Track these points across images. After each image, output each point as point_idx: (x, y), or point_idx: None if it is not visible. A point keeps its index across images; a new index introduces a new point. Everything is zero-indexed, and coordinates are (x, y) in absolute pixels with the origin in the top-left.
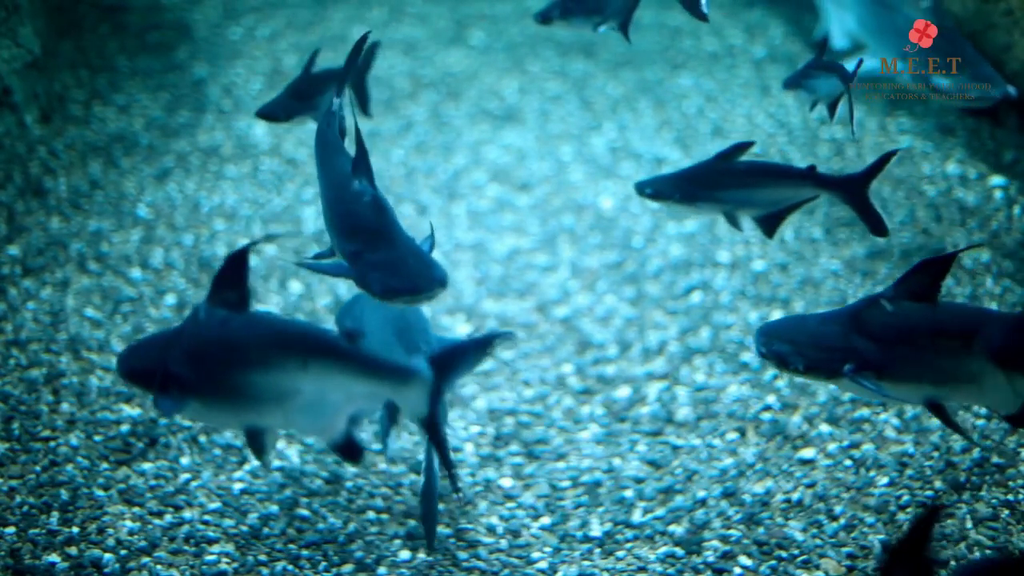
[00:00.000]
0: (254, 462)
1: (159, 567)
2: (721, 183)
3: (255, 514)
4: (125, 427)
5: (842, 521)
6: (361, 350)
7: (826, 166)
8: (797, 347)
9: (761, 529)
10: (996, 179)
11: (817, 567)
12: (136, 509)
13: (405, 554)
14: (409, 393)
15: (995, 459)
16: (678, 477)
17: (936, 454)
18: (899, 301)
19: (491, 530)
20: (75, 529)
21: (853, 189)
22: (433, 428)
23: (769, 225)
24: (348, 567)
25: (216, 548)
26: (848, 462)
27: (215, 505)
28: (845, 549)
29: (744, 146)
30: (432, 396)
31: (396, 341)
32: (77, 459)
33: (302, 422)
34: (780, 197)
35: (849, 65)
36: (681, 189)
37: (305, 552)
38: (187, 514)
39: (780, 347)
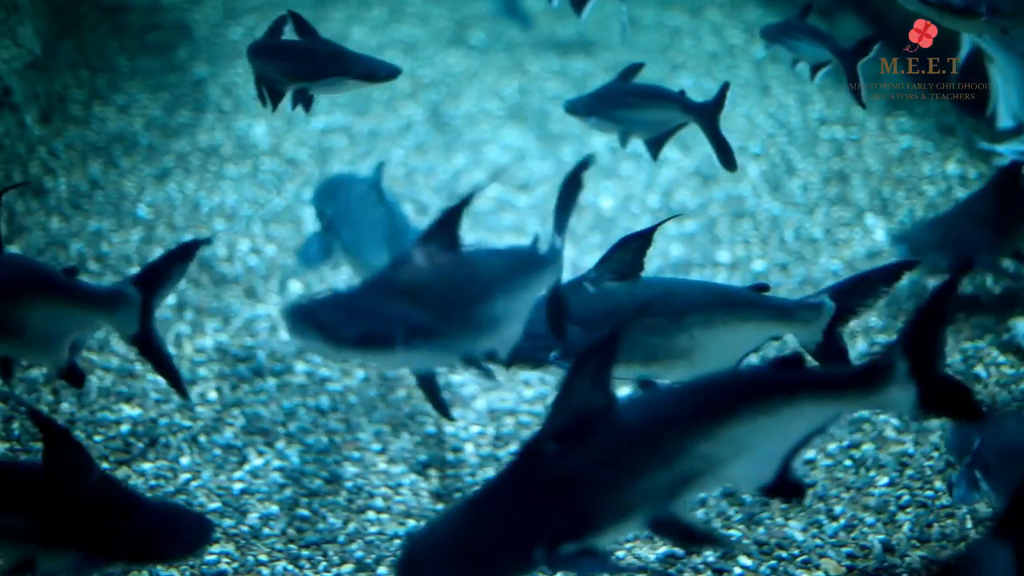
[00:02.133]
0: (254, 462)
1: (159, 567)
2: (621, 103)
3: (255, 514)
4: (125, 427)
5: (842, 521)
6: (76, 284)
7: (826, 166)
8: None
9: (761, 529)
10: None
11: (817, 567)
12: None
13: None
14: (120, 315)
15: None
16: None
17: (936, 454)
18: (602, 283)
19: None
20: None
21: (706, 115)
22: (147, 344)
23: (654, 148)
24: (348, 567)
25: (216, 548)
26: (848, 462)
27: (215, 505)
28: (845, 549)
29: (637, 67)
30: (142, 314)
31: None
32: None
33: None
34: (661, 119)
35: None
36: (588, 107)
37: (305, 552)
38: None
39: None
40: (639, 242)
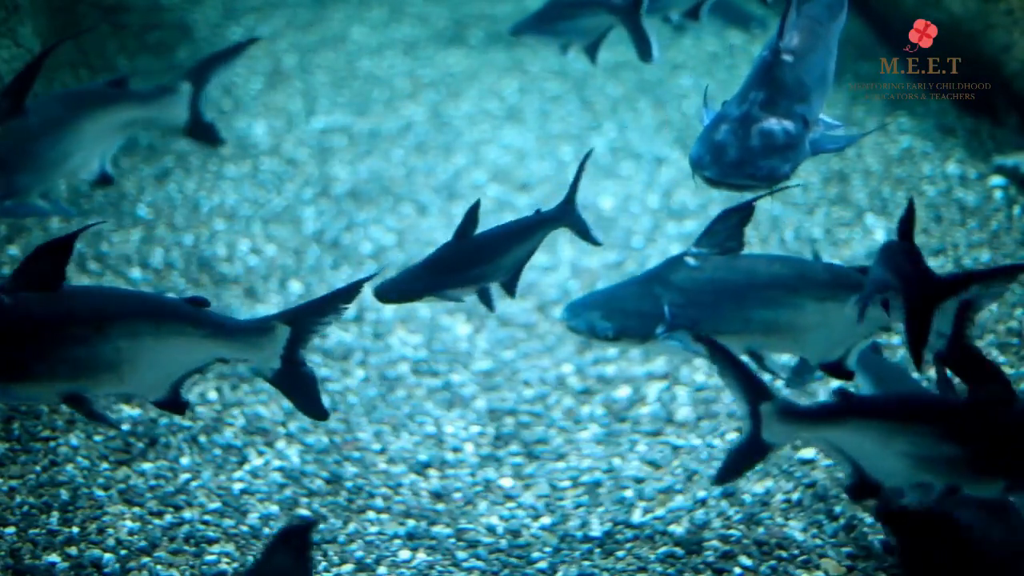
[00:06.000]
0: (254, 462)
1: (159, 567)
2: (559, 16)
3: (255, 514)
4: (125, 427)
5: (842, 521)
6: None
7: (825, 166)
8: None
9: (761, 529)
10: (996, 179)
11: (817, 567)
12: (136, 509)
13: (405, 554)
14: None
15: None
16: (678, 477)
17: None
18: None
19: (491, 530)
20: (75, 529)
21: (627, 12)
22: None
23: (591, 53)
24: (348, 567)
25: (216, 548)
26: None
27: (215, 505)
28: (845, 549)
29: None
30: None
31: None
32: (77, 459)
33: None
34: (593, 25)
35: None
36: (531, 26)
37: None
38: (187, 514)
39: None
40: (739, 215)
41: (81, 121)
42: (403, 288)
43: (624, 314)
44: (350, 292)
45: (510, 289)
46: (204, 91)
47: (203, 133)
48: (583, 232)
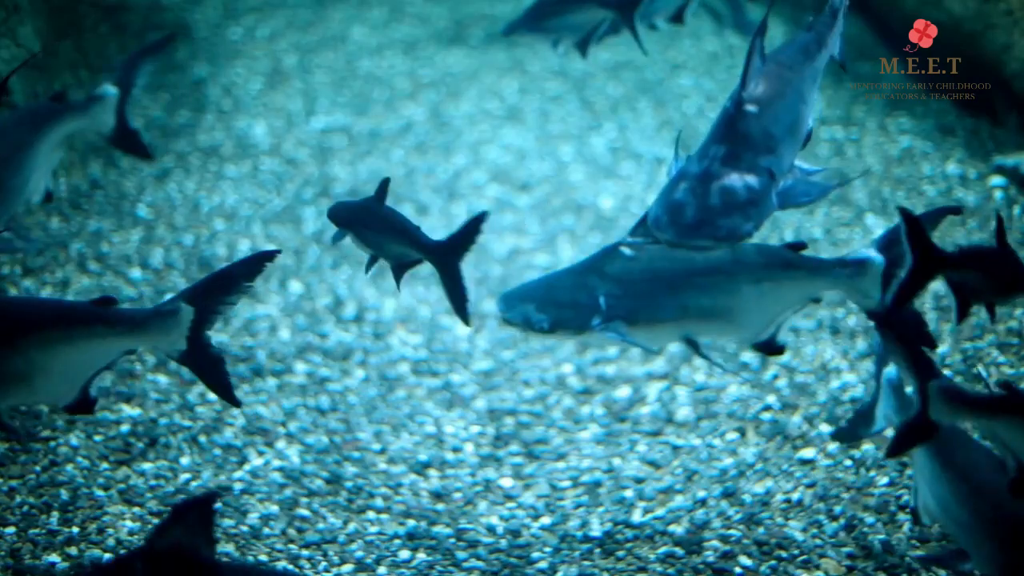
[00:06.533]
0: (254, 462)
1: None
2: (551, 14)
3: (255, 514)
4: (125, 427)
5: (842, 521)
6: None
7: (825, 165)
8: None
9: (761, 529)
10: (996, 179)
11: (817, 567)
12: (136, 509)
13: (405, 554)
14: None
15: None
16: (678, 477)
17: None
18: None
19: (491, 530)
20: (75, 529)
21: (622, 7)
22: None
23: (582, 48)
24: (348, 567)
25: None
26: (848, 462)
27: (215, 505)
28: (845, 549)
29: None
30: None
31: None
32: (77, 459)
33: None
34: (585, 20)
35: None
36: (524, 25)
37: (305, 552)
38: None
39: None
40: None
41: (37, 144)
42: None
43: (558, 306)
44: (252, 267)
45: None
46: (130, 95)
47: (128, 142)
48: (448, 282)
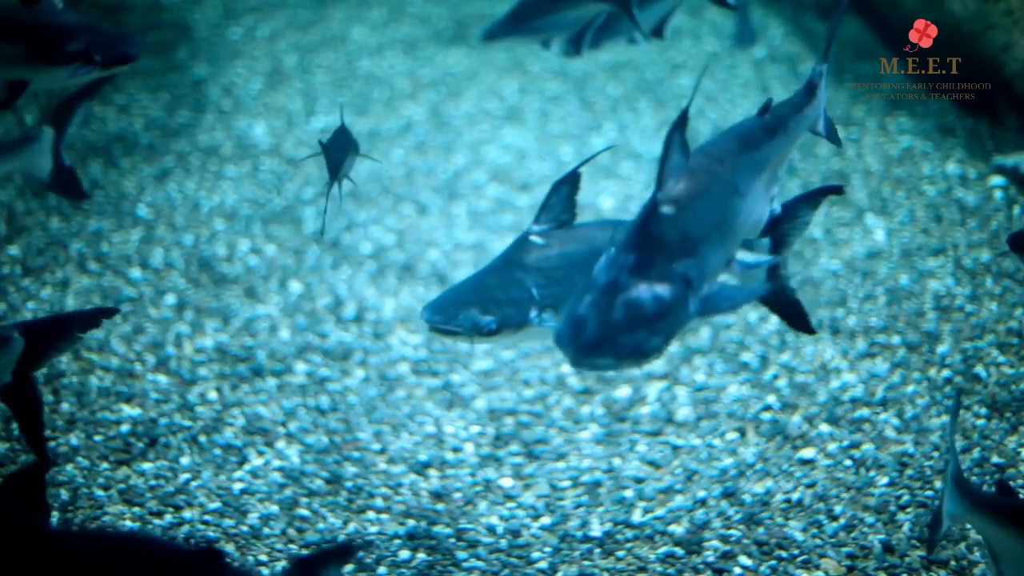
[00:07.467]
0: (254, 462)
1: None
2: (538, 13)
3: (255, 514)
4: (125, 427)
5: (842, 521)
6: None
7: (825, 165)
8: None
9: (761, 529)
10: (996, 179)
11: (817, 567)
12: (136, 509)
13: (405, 554)
14: None
15: (995, 459)
16: (678, 477)
17: (936, 454)
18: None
19: (491, 530)
20: (75, 529)
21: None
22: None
23: (576, 44)
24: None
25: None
26: (848, 462)
27: (215, 505)
28: (845, 549)
29: None
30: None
31: None
32: (77, 459)
33: None
34: (579, 16)
35: None
36: (506, 29)
37: (305, 552)
38: (187, 514)
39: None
40: (569, 185)
41: None
42: None
43: (499, 304)
44: (89, 320)
45: None
46: (65, 135)
47: (65, 184)
48: None
